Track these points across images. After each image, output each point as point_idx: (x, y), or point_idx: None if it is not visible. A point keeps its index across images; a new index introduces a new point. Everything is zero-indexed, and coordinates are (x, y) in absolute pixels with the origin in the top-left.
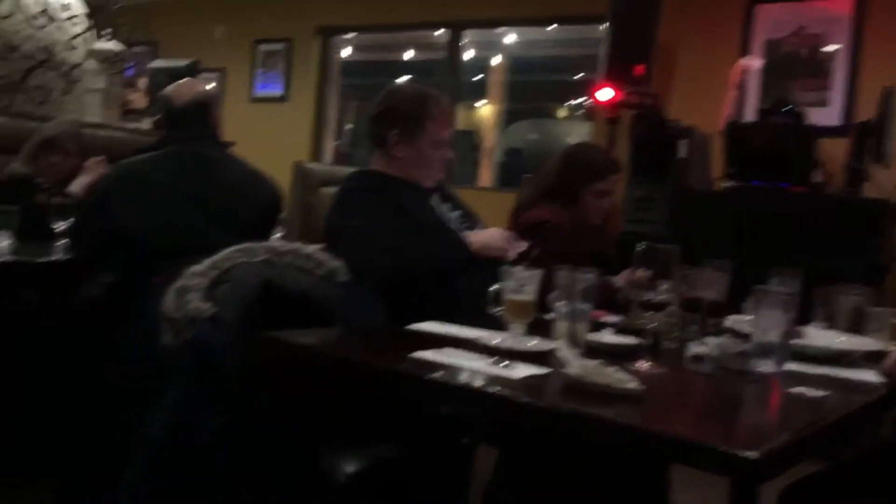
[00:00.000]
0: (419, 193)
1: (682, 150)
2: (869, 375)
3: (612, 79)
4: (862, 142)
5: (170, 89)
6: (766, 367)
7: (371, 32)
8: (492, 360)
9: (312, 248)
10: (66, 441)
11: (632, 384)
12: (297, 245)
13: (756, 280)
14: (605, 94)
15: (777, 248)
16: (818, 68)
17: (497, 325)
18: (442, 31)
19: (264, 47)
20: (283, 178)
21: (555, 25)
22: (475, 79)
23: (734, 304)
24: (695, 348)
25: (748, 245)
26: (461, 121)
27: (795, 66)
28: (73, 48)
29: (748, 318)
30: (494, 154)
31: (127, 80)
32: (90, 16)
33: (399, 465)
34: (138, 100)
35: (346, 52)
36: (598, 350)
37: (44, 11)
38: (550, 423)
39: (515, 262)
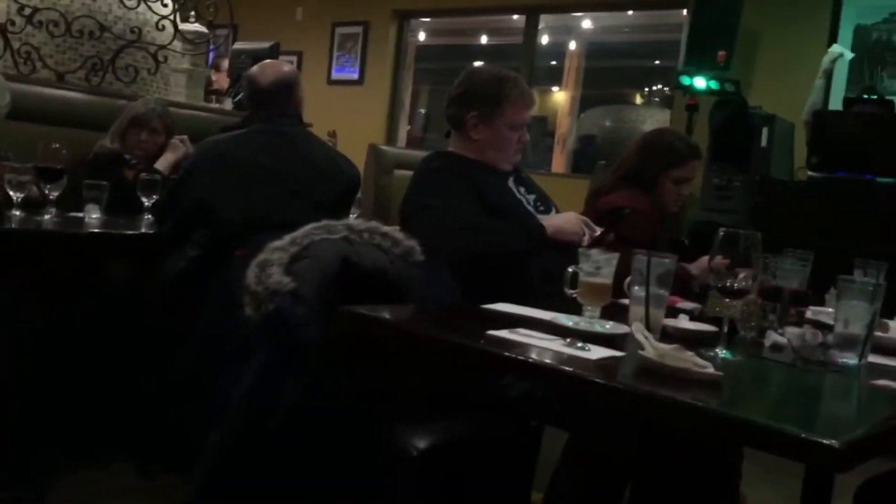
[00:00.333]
0: (496, 175)
1: (764, 138)
2: None
3: (693, 65)
4: None
5: (254, 70)
6: (847, 358)
7: (447, 16)
8: (567, 341)
9: (389, 228)
10: (146, 417)
11: (710, 369)
12: (374, 223)
13: (839, 272)
14: (685, 80)
15: (861, 239)
16: None
17: (572, 307)
18: (517, 15)
19: (342, 30)
20: (357, 161)
21: (632, 11)
22: (550, 64)
23: (816, 294)
24: (774, 337)
25: (831, 236)
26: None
27: (885, 53)
28: (161, 29)
29: (830, 309)
30: (568, 140)
31: (214, 61)
32: None
33: (468, 443)
34: (221, 80)
35: (421, 37)
36: (674, 335)
37: None
38: (626, 405)
39: (590, 247)
